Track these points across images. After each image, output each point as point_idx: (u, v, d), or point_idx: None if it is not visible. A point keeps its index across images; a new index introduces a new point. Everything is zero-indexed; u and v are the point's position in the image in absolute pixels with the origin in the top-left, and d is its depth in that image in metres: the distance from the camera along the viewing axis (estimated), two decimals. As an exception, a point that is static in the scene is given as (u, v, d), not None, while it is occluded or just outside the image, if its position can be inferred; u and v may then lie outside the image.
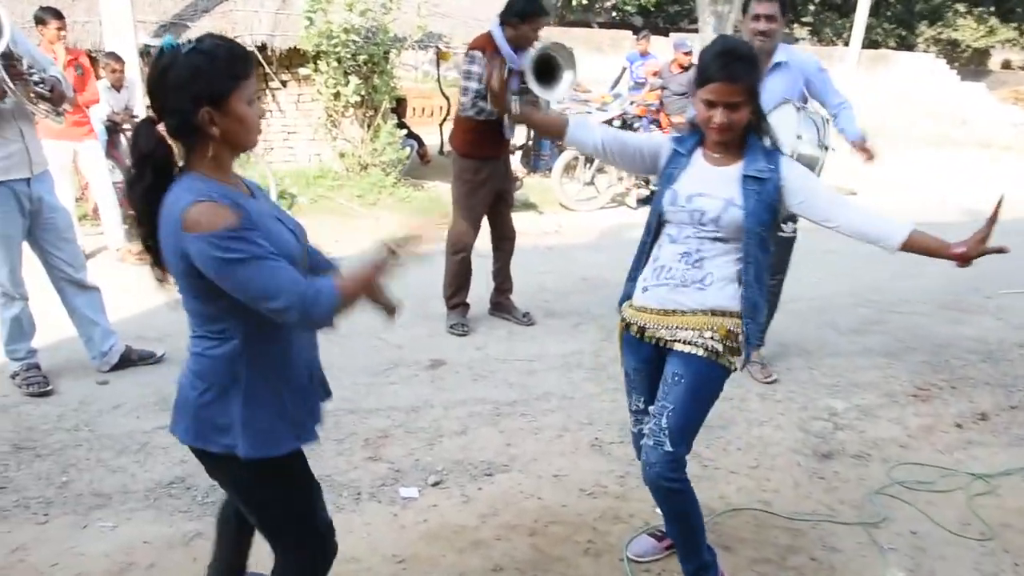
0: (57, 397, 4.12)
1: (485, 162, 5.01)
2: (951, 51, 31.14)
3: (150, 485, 3.38)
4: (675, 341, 2.52)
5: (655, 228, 2.62)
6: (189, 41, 1.79)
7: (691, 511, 2.62)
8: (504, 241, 5.39)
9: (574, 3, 26.51)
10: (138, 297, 5.68)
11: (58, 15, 6.42)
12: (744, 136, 2.48)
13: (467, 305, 5.34)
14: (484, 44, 4.88)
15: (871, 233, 2.40)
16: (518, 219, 5.61)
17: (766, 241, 2.50)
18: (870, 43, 25.24)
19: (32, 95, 3.87)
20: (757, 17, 4.15)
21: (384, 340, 5.06)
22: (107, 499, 3.27)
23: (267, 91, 10.13)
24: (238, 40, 8.15)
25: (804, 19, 32.94)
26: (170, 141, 1.83)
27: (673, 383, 2.51)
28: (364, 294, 1.95)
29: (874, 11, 24.44)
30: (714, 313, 2.50)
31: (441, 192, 9.66)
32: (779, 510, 3.31)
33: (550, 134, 3.14)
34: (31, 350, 4.20)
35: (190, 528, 3.09)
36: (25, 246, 4.07)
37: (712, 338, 2.48)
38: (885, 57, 22.21)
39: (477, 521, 3.20)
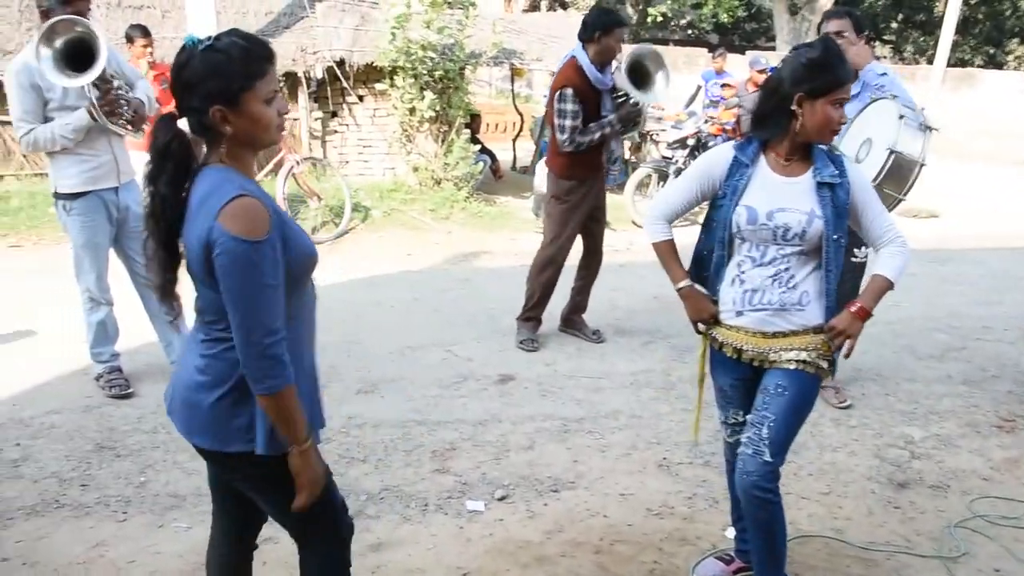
0: (137, 400, 4.27)
1: (583, 182, 5.09)
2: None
3: (224, 489, 3.46)
4: (777, 360, 2.54)
5: (728, 243, 2.59)
6: (208, 38, 1.80)
7: (779, 526, 2.61)
8: (593, 263, 5.44)
9: (650, 21, 26.44)
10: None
11: (146, 33, 6.69)
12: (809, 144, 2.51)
13: (539, 321, 5.36)
14: (571, 77, 4.92)
15: (900, 250, 2.56)
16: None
17: (843, 247, 2.51)
18: (956, 61, 24.59)
19: (118, 119, 4.02)
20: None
21: (454, 353, 5.12)
22: (182, 500, 3.37)
23: (344, 105, 10.34)
24: (316, 54, 8.37)
25: (886, 36, 32.26)
26: (190, 136, 1.86)
27: (776, 394, 2.53)
28: (305, 465, 1.92)
29: (960, 28, 23.82)
30: (815, 331, 2.53)
31: (513, 208, 9.73)
32: (852, 539, 3.23)
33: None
34: (115, 354, 4.36)
35: (261, 532, 3.15)
36: (111, 253, 4.24)
37: (816, 356, 2.52)
38: (971, 76, 21.61)
39: (542, 537, 3.20)
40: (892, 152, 3.71)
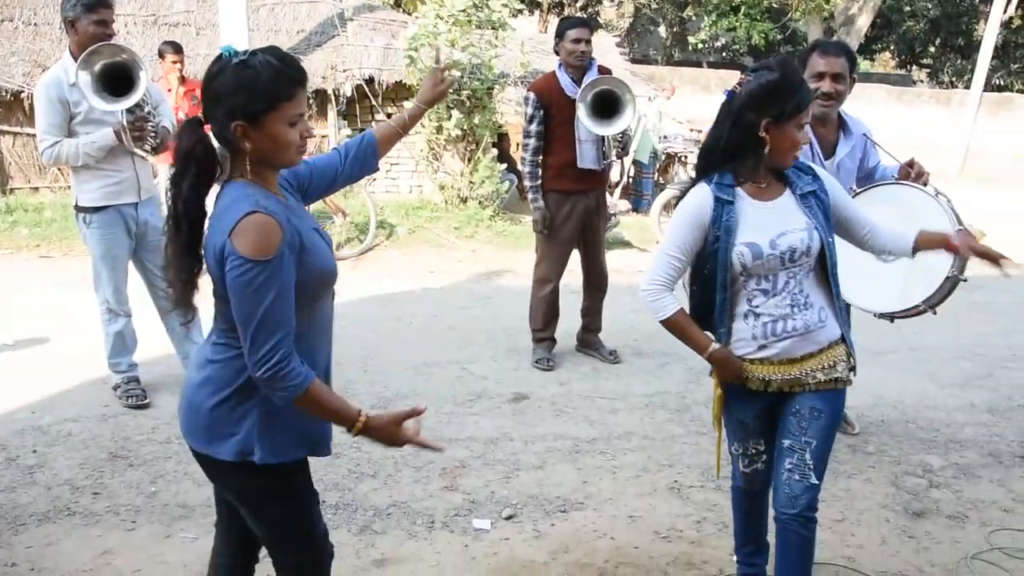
0: (153, 410, 4.32)
1: (568, 196, 5.04)
2: (1083, 95, 29.69)
3: (232, 500, 3.49)
4: (810, 382, 2.52)
5: (731, 284, 2.49)
6: (244, 52, 1.82)
7: (808, 556, 2.61)
8: (593, 283, 5.38)
9: (690, 47, 26.52)
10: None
11: (178, 49, 6.83)
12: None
13: (554, 340, 5.35)
14: (540, 85, 5.02)
15: (890, 242, 2.63)
16: (613, 256, 5.61)
17: (834, 248, 2.53)
18: (994, 87, 24.32)
19: (143, 143, 4.11)
20: (820, 76, 3.49)
21: (469, 371, 5.13)
22: (191, 511, 3.40)
23: (372, 122, 10.44)
24: (346, 72, 8.47)
25: (923, 61, 31.98)
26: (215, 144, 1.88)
27: (812, 418, 2.51)
28: (381, 436, 1.95)
29: (999, 53, 23.58)
30: (840, 342, 2.55)
31: (537, 227, 9.74)
32: (863, 567, 3.17)
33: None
34: (132, 364, 4.43)
35: (266, 545, 3.18)
36: (131, 266, 4.32)
37: (843, 369, 2.54)
38: (1010, 101, 21.33)
39: (547, 557, 3.19)
40: (962, 232, 3.19)
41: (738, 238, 2.41)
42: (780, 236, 2.41)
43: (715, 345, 2.53)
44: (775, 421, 2.62)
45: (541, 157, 4.99)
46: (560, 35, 4.95)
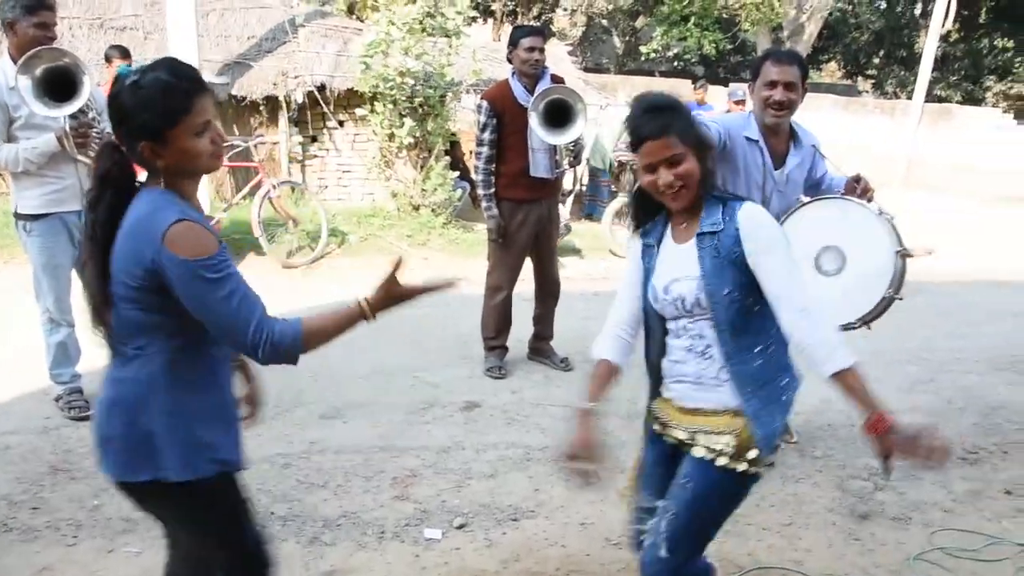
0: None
1: (519, 205, 5.04)
2: (1021, 106, 30.55)
3: (178, 513, 3.42)
4: (692, 444, 2.26)
5: (660, 326, 2.33)
6: (137, 71, 1.80)
7: None
8: (545, 291, 5.38)
9: (642, 56, 26.75)
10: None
11: (125, 54, 6.71)
12: (700, 201, 2.21)
13: (505, 348, 5.34)
14: (494, 93, 5.03)
15: (810, 344, 2.08)
16: (565, 264, 5.61)
17: (740, 305, 2.15)
18: (935, 97, 24.90)
19: (87, 150, 4.01)
20: (773, 84, 3.43)
21: (421, 379, 5.09)
22: (135, 525, 3.32)
23: (324, 130, 10.37)
24: (297, 78, 8.36)
25: (868, 72, 32.66)
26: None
27: (681, 486, 2.26)
28: (390, 303, 1.99)
29: (940, 65, 24.18)
30: (736, 413, 2.20)
31: (490, 234, 9.73)
32: (810, 571, 3.21)
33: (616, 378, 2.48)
34: (75, 375, 4.32)
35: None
36: (74, 275, 4.21)
37: (729, 444, 2.19)
38: (949, 111, 21.86)
39: (498, 566, 3.17)
40: (901, 254, 3.39)
41: (651, 279, 2.30)
42: (674, 282, 2.22)
43: (589, 405, 2.37)
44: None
45: (494, 165, 4.98)
46: (514, 43, 4.94)
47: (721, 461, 2.19)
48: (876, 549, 3.41)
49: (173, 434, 1.88)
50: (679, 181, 2.13)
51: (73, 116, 3.89)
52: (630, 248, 2.43)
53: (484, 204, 5.05)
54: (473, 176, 5.16)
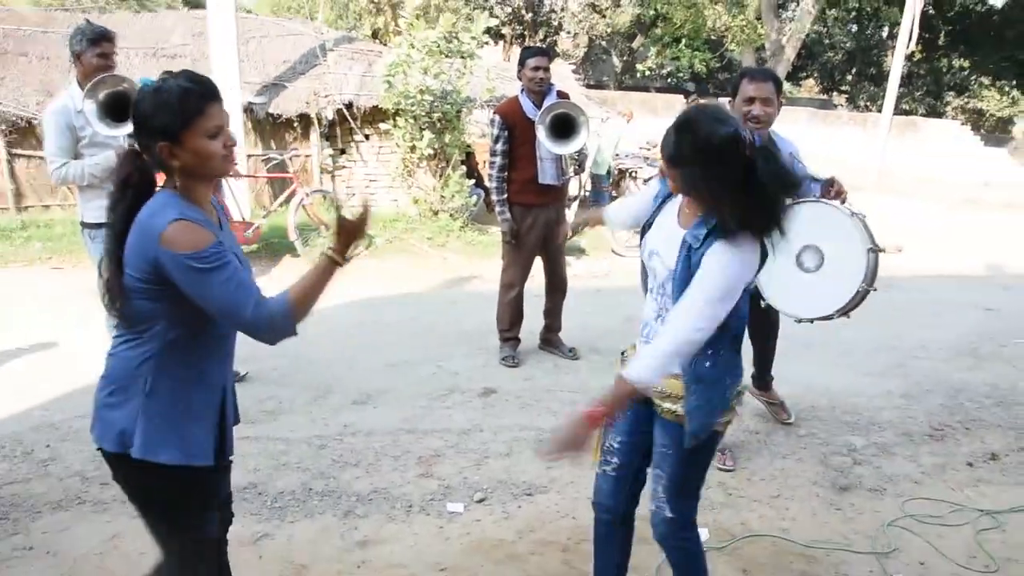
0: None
1: (529, 209, 5.04)
2: (976, 119, 30.42)
3: (227, 489, 3.44)
4: (658, 405, 2.25)
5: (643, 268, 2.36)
6: (159, 80, 1.81)
7: (694, 567, 2.41)
8: (554, 288, 5.37)
9: (639, 74, 26.72)
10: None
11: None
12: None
13: (518, 339, 5.34)
14: (503, 107, 5.02)
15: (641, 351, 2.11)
16: (571, 262, 5.61)
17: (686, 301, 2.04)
18: (902, 111, 24.78)
19: None
20: (751, 100, 3.43)
21: (442, 368, 5.10)
22: (189, 500, 3.34)
23: (352, 143, 10.39)
24: (327, 97, 8.39)
25: (842, 88, 32.53)
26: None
27: (662, 451, 2.28)
28: (349, 240, 1.96)
29: (906, 82, 24.06)
30: (678, 378, 2.18)
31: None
32: (796, 538, 3.20)
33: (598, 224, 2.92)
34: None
35: (258, 529, 3.14)
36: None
37: (671, 399, 2.21)
38: (914, 124, 21.80)
39: (515, 536, 3.17)
40: (873, 250, 3.38)
41: (650, 229, 2.31)
42: (655, 254, 2.22)
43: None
44: (643, 437, 2.37)
45: (506, 173, 4.98)
46: (522, 63, 4.94)
47: (679, 421, 2.20)
48: (855, 517, 3.40)
49: (146, 414, 1.85)
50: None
51: (130, 135, 3.91)
52: (651, 184, 2.48)
53: (498, 209, 5.05)
54: (487, 184, 5.17)
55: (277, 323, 1.82)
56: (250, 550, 3.00)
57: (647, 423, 2.35)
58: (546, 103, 4.86)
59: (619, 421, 2.37)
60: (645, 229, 2.33)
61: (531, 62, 4.88)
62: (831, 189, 3.56)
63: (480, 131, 10.12)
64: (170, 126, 1.78)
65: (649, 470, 2.38)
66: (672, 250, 2.15)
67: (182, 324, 1.85)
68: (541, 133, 4.79)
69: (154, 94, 1.79)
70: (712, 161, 1.97)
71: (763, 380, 4.26)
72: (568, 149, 4.91)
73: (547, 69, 4.92)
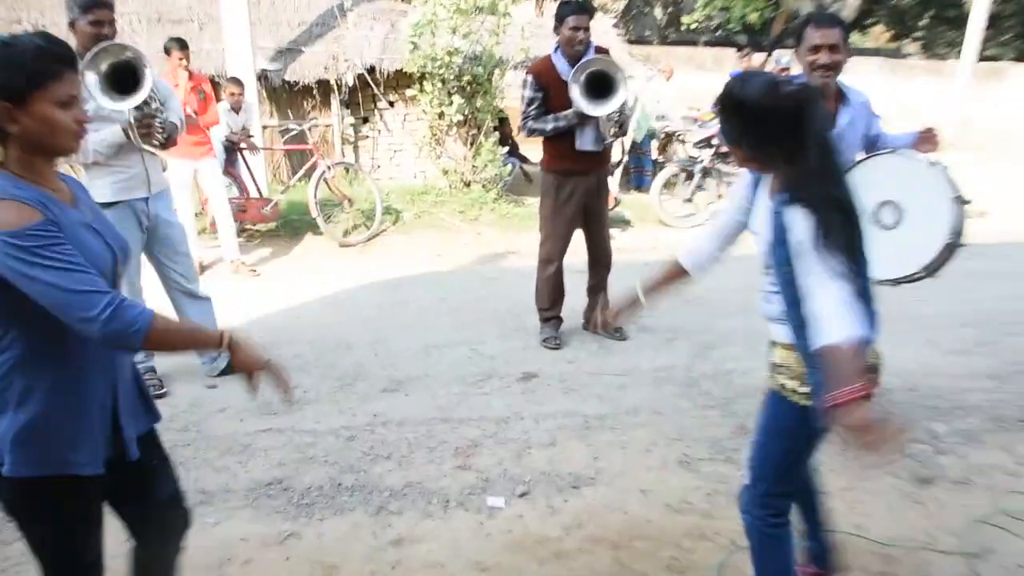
0: (170, 399, 4.30)
1: (568, 177, 4.99)
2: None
3: (250, 485, 3.48)
4: (774, 380, 2.36)
5: None
6: (12, 36, 1.73)
7: (771, 554, 2.43)
8: (597, 262, 5.33)
9: (683, 27, 26.33)
10: (247, 307, 5.90)
11: (183, 46, 6.74)
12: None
13: (560, 319, 5.32)
14: (537, 66, 4.96)
15: (819, 318, 2.00)
16: (615, 235, 5.55)
17: (790, 280, 2.13)
18: (986, 57, 24.09)
19: (151, 140, 4.07)
20: (817, 48, 3.36)
21: (478, 352, 5.09)
22: (210, 496, 3.38)
23: (375, 111, 10.39)
24: (347, 61, 8.37)
25: (915, 34, 31.70)
26: None
27: (761, 415, 2.41)
28: (243, 367, 1.89)
29: (991, 23, 23.36)
30: (795, 348, 2.24)
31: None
32: (872, 535, 3.14)
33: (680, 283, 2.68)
34: (148, 354, 4.40)
35: (285, 528, 3.17)
36: (143, 259, 4.29)
37: (785, 373, 2.28)
38: (1001, 71, 21.19)
39: (561, 532, 3.16)
40: (958, 200, 3.31)
41: (752, 213, 2.37)
42: (757, 232, 2.33)
43: (637, 290, 2.68)
44: None
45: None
46: (560, 20, 4.85)
47: (786, 394, 2.28)
48: (938, 512, 3.33)
49: (16, 427, 1.78)
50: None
51: (137, 108, 3.94)
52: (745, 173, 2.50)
53: (551, 123, 4.87)
54: (524, 134, 5.03)
55: (126, 339, 1.72)
56: (276, 550, 3.03)
57: None
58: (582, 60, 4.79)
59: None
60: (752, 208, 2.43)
61: (570, 20, 4.79)
62: (928, 136, 3.52)
63: (514, 95, 10.06)
64: (16, 84, 1.68)
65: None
66: (766, 223, 2.24)
67: (40, 323, 1.74)
68: (575, 92, 4.72)
69: (3, 48, 1.70)
70: (753, 117, 2.12)
71: None
72: (603, 110, 4.82)
73: (587, 29, 4.84)
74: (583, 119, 4.83)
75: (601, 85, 4.78)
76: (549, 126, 4.86)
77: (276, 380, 1.95)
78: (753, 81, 2.14)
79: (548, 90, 4.84)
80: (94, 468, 1.88)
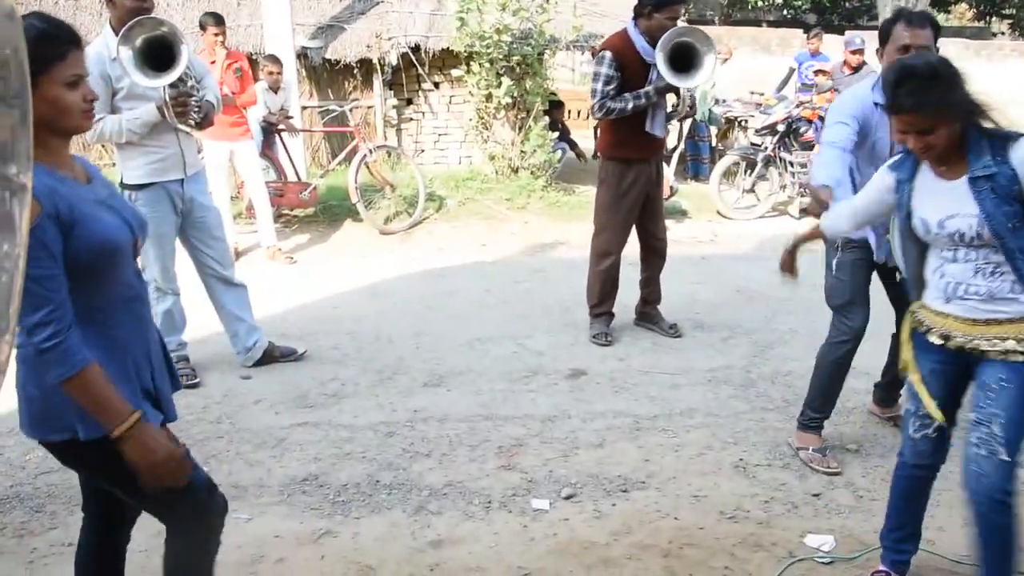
0: (203, 389, 4.40)
1: (631, 165, 4.98)
2: None
3: (284, 480, 3.55)
4: (995, 350, 2.48)
5: (919, 246, 2.63)
6: None
7: (1016, 531, 2.52)
8: (652, 252, 5.32)
9: (749, 5, 26.08)
10: (284, 295, 6.00)
11: (219, 21, 6.85)
12: (963, 139, 2.43)
13: (612, 314, 5.32)
14: (615, 43, 4.92)
15: None
16: (671, 226, 5.54)
17: (1012, 237, 2.39)
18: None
19: (186, 119, 4.15)
20: (907, 48, 3.33)
21: (524, 346, 5.12)
22: (243, 491, 3.46)
23: (419, 92, 10.44)
24: (391, 40, 8.41)
25: (1005, 12, 30.93)
26: None
27: (1000, 389, 2.46)
28: (132, 458, 1.90)
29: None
30: None
31: (593, 196, 9.66)
32: (943, 551, 3.10)
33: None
34: (181, 343, 4.50)
35: (320, 526, 3.22)
36: (177, 244, 4.38)
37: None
38: (1102, 51, 20.55)
39: (608, 538, 3.18)
40: None
41: (914, 212, 2.56)
42: (949, 218, 2.46)
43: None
44: (957, 391, 2.66)
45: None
46: (658, 6, 4.76)
47: None
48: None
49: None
50: (926, 148, 2.41)
51: (172, 85, 4.01)
52: (873, 188, 2.77)
53: (643, 97, 4.83)
54: (598, 115, 4.99)
55: (52, 356, 1.79)
56: (311, 549, 3.09)
57: (963, 379, 2.63)
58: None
59: (930, 385, 2.66)
60: (901, 207, 2.62)
61: (671, 10, 4.78)
62: None
63: (569, 78, 10.03)
64: None
65: (973, 419, 2.54)
66: (967, 204, 2.42)
67: (80, 290, 1.86)
68: (660, 61, 4.68)
69: None
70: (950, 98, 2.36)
71: (890, 394, 4.11)
72: (692, 82, 4.83)
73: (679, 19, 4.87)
74: (660, 98, 4.84)
75: (683, 58, 4.78)
76: (630, 104, 4.82)
77: (174, 477, 1.98)
78: (923, 57, 2.52)
79: (624, 70, 4.82)
80: (154, 416, 2.03)
